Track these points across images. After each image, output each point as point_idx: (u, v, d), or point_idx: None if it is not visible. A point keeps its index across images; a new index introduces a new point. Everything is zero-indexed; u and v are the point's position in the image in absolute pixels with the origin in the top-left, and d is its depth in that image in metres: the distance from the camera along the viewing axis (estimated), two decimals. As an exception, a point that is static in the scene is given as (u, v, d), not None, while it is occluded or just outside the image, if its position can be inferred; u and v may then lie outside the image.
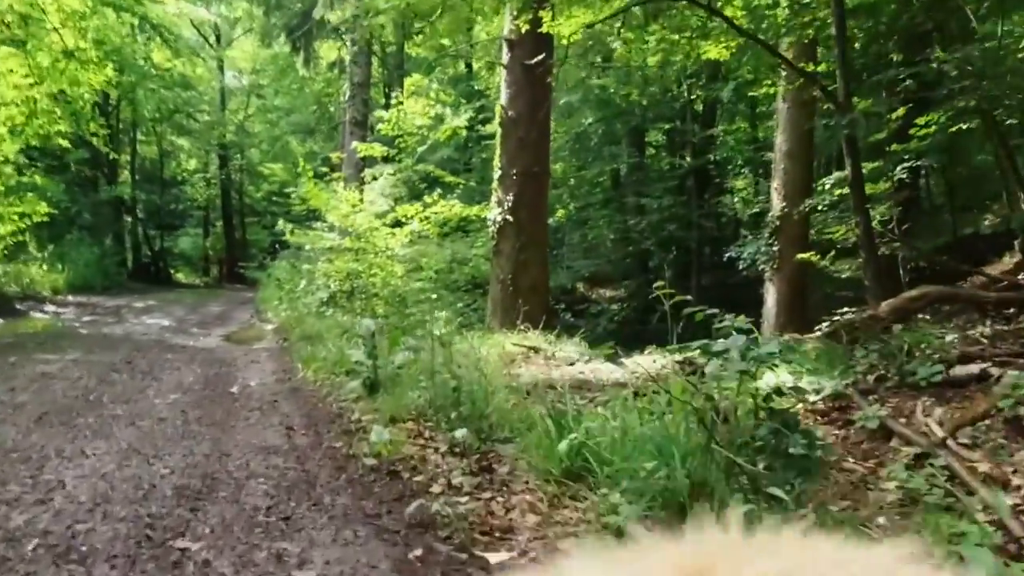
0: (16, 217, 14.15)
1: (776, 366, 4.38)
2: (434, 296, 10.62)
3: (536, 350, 9.90)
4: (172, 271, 28.98)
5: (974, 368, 4.23)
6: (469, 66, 26.10)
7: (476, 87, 23.78)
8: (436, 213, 11.62)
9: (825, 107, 14.15)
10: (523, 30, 10.96)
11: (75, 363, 7.39)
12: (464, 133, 15.32)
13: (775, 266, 12.65)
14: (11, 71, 14.20)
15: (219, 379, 6.82)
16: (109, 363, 7.50)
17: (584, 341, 11.81)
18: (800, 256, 10.61)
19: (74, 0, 12.93)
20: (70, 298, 14.37)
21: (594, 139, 21.02)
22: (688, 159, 19.18)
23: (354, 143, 14.12)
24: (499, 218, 11.53)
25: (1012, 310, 5.85)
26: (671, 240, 20.30)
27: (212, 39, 28.50)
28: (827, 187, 11.71)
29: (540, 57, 10.76)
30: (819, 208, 11.96)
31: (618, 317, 20.14)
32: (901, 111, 9.22)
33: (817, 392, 4.08)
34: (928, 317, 7.10)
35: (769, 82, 13.21)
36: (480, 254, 14.43)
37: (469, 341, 9.69)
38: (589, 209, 22.99)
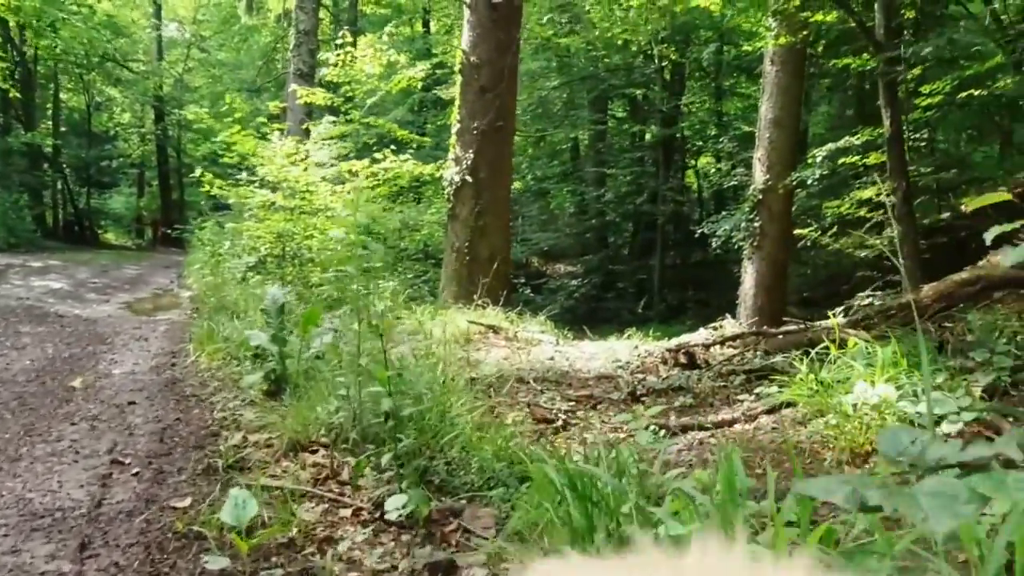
0: None
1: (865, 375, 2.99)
2: (377, 263, 9.01)
3: (496, 329, 8.44)
4: (101, 232, 26.52)
5: None
6: (427, 25, 24.24)
7: (434, 51, 21.93)
8: (385, 171, 9.96)
9: (814, 69, 12.91)
10: (491, -40, 9.36)
11: None
12: (419, 87, 13.60)
13: (755, 244, 11.38)
14: None
15: (71, 364, 5.13)
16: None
17: (547, 320, 10.41)
18: (797, 231, 9.30)
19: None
20: (-46, 254, 12.29)
21: (557, 105, 19.48)
22: (655, 129, 17.81)
23: (294, 86, 12.25)
24: (456, 178, 9.96)
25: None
26: (635, 215, 19.00)
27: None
28: (819, 159, 10.45)
29: (510, -8, 9.17)
30: (809, 182, 10.70)
31: (577, 293, 18.81)
32: (918, 70, 7.94)
33: (942, 418, 2.77)
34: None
35: (757, 41, 11.83)
36: (434, 220, 12.84)
37: (418, 318, 8.17)
38: (548, 180, 21.54)
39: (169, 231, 22.75)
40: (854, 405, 3.02)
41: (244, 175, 9.55)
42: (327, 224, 9.25)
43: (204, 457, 3.09)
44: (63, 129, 25.37)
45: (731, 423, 3.64)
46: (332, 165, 9.59)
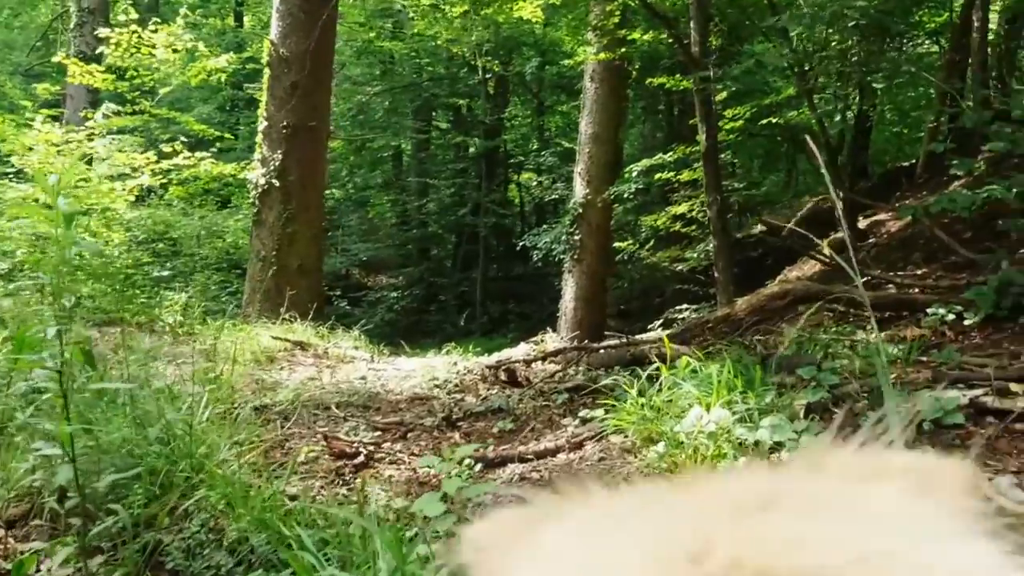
0: None
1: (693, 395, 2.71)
2: (165, 272, 7.92)
3: (304, 346, 7.66)
4: None
5: (978, 393, 2.91)
6: (240, 19, 22.58)
7: (247, 46, 20.40)
8: (177, 167, 8.80)
9: (630, 91, 13.29)
10: (302, -56, 8.62)
11: None
12: (223, 81, 12.37)
13: (576, 257, 11.43)
14: None
15: None
16: None
17: (363, 335, 9.72)
18: (616, 245, 9.35)
19: None
20: None
21: (379, 112, 18.79)
22: (478, 141, 17.66)
23: (63, 60, 10.58)
24: (263, 180, 9.05)
25: (904, 312, 4.81)
26: (458, 226, 18.74)
27: None
28: (635, 174, 10.66)
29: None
30: (626, 196, 10.89)
31: (397, 306, 18.19)
32: (723, 94, 8.24)
33: (779, 445, 2.52)
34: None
35: (577, 57, 11.94)
36: (240, 226, 11.68)
37: (211, 332, 7.19)
38: (369, 189, 20.75)
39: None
40: (688, 433, 2.75)
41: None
42: (102, 227, 8.00)
43: None
44: None
45: (555, 452, 3.27)
46: (110, 159, 8.30)
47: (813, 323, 4.85)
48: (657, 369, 3.51)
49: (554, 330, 11.31)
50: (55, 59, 11.80)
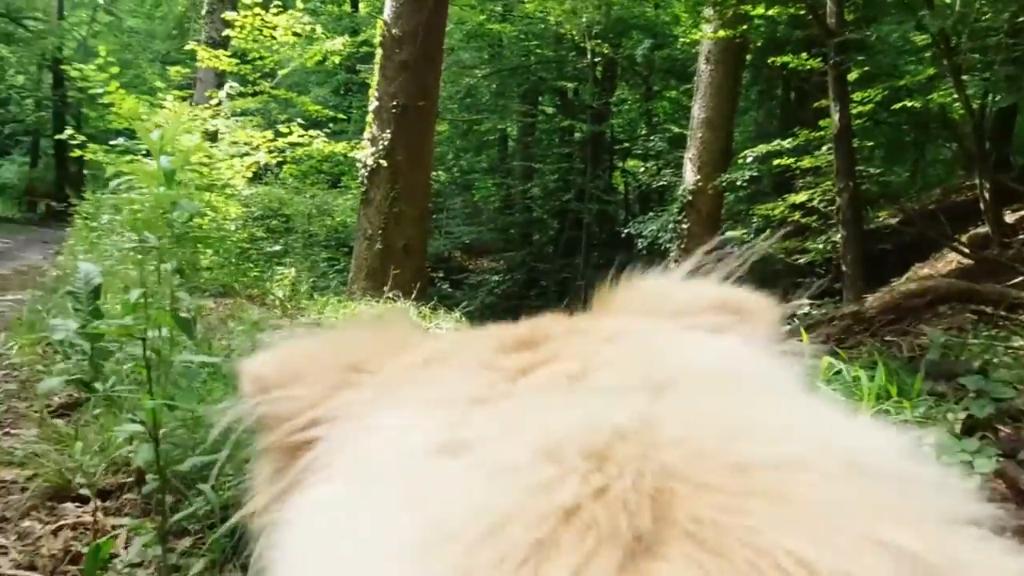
0: None
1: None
2: (277, 247, 8.06)
3: (406, 325, 7.58)
4: (-13, 201, 24.14)
5: None
6: (356, 5, 23.02)
7: (361, 31, 20.75)
8: (291, 145, 8.94)
9: (746, 74, 12.58)
10: (417, -77, 8.53)
11: None
12: (338, 63, 12.54)
13: (683, 245, 10.94)
14: None
15: None
16: None
17: (463, 317, 9.64)
18: (729, 234, 8.84)
19: None
20: None
21: (486, 95, 18.70)
22: (584, 126, 17.27)
23: (190, 45, 10.99)
24: (371, 160, 9.06)
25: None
26: (561, 212, 18.43)
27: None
28: (749, 160, 10.05)
29: (437, -42, 8.35)
30: (739, 183, 10.30)
31: (498, 290, 18.09)
32: (855, 74, 7.52)
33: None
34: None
35: (692, 34, 11.38)
36: (350, 205, 11.85)
37: (317, 308, 7.25)
38: (474, 173, 20.76)
39: (57, 204, 20.76)
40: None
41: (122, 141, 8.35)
42: (222, 201, 8.21)
43: None
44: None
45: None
46: (229, 135, 8.50)
47: (953, 325, 4.31)
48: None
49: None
50: (187, 46, 12.31)
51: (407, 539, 0.32)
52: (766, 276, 12.56)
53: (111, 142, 7.79)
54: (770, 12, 7.80)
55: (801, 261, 7.90)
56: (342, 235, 11.93)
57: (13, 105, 25.87)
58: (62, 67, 23.99)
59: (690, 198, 10.87)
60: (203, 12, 16.46)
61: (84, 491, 2.11)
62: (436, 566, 0.30)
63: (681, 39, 13.39)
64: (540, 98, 20.21)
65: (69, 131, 8.51)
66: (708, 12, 9.56)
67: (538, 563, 0.28)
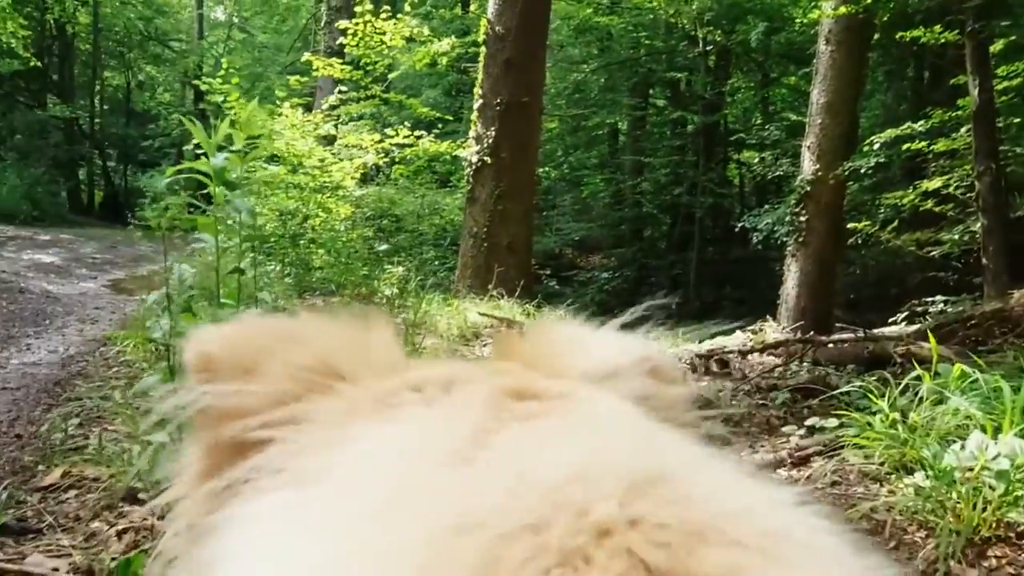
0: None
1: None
2: (386, 246, 8.19)
3: (509, 323, 7.51)
4: (138, 210, 26.27)
5: None
6: (466, 5, 23.31)
7: (471, 32, 20.98)
8: (398, 146, 9.08)
9: (871, 55, 11.66)
10: (519, -81, 8.43)
11: None
12: (446, 63, 12.65)
13: (801, 239, 10.27)
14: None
15: None
16: None
17: (570, 315, 9.46)
18: (851, 226, 8.18)
19: None
20: (-33, 225, 11.76)
21: (595, 90, 18.39)
22: (697, 117, 16.62)
23: (306, 55, 11.41)
24: (476, 158, 9.06)
25: None
26: (673, 206, 17.87)
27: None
28: (876, 147, 9.26)
29: (538, -47, 8.22)
30: (864, 171, 9.53)
31: (608, 287, 17.77)
32: (1000, 45, 6.73)
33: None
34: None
35: (812, 13, 10.63)
36: (457, 204, 11.96)
37: (424, 307, 7.29)
38: (583, 169, 20.49)
39: (192, 211, 22.26)
40: (964, 466, 2.04)
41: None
42: (333, 203, 8.45)
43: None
44: (105, 107, 25.13)
45: (774, 465, 2.68)
46: (339, 139, 8.74)
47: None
48: (915, 376, 2.74)
49: (773, 319, 10.29)
50: (305, 57, 12.84)
51: (427, 530, 0.30)
52: (893, 271, 11.64)
53: (231, 149, 8.18)
54: (898, -17, 7.12)
55: (935, 254, 7.18)
56: (451, 233, 12.05)
57: (161, 120, 27.98)
58: (199, 80, 25.80)
59: (808, 189, 10.18)
60: (322, 23, 17.18)
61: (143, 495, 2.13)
62: (464, 551, 0.29)
63: (799, 20, 12.60)
64: (650, 90, 19.68)
65: (196, 142, 8.96)
66: (828, -12, 8.88)
67: (571, 570, 0.28)
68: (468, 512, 0.31)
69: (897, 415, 2.47)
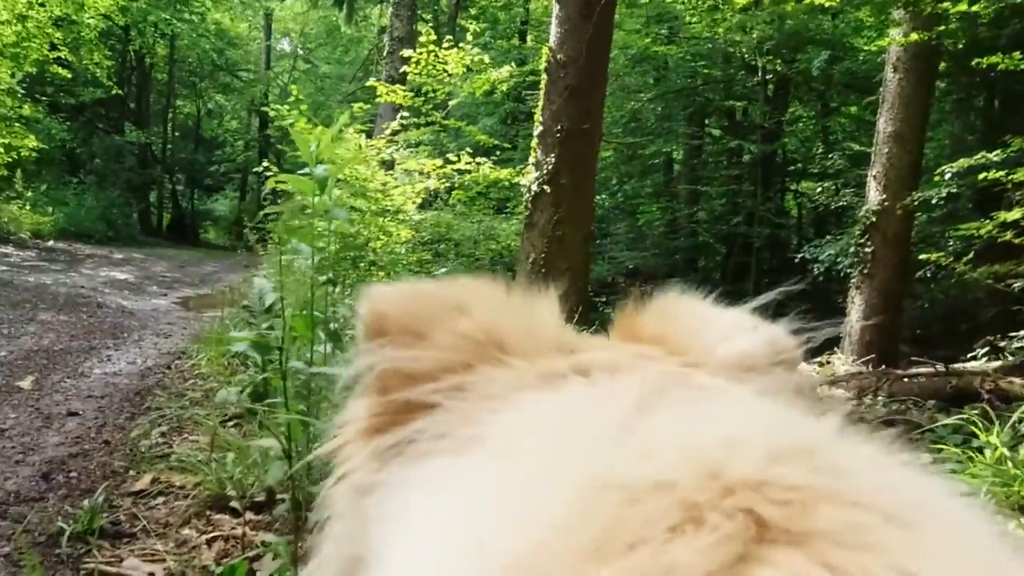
0: (0, 150, 12.12)
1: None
2: (443, 271, 8.22)
3: (566, 349, 7.43)
4: (203, 232, 27.17)
5: None
6: (523, 36, 23.65)
7: (529, 62, 21.23)
8: (458, 171, 9.16)
9: (939, 83, 11.36)
10: (584, -51, 8.51)
11: None
12: (504, 90, 12.79)
13: (865, 271, 9.99)
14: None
15: (53, 359, 4.47)
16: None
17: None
18: (924, 256, 7.91)
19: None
20: (50, 243, 12.30)
21: (651, 119, 18.35)
22: (754, 146, 16.40)
23: (371, 81, 11.67)
24: (535, 184, 9.07)
25: None
26: (729, 237, 17.60)
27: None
28: (947, 176, 8.97)
29: (602, -18, 8.26)
30: (934, 202, 9.23)
31: (661, 318, 17.51)
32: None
33: None
34: None
35: (879, 41, 10.43)
36: (513, 230, 12.00)
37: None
38: (638, 198, 20.39)
39: (258, 232, 22.92)
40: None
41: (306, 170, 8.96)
42: (394, 226, 8.55)
43: (59, 514, 2.19)
44: (176, 134, 26.18)
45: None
46: (398, 164, 8.87)
47: None
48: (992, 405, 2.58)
49: (836, 352, 9.98)
50: (369, 83, 13.17)
51: (571, 490, 0.32)
52: (964, 305, 11.18)
53: (299, 172, 8.37)
54: (973, 8, 6.91)
55: (1016, 286, 6.86)
56: (506, 259, 12.07)
57: (228, 147, 28.99)
58: (264, 108, 26.75)
59: (874, 219, 9.91)
60: (384, 53, 17.62)
61: (235, 504, 2.13)
62: (599, 509, 0.31)
63: (863, 49, 12.37)
64: (707, 120, 19.56)
65: (265, 163, 9.27)
66: (898, 15, 8.69)
67: (688, 527, 0.29)
68: (611, 473, 0.32)
69: (1006, 451, 2.31)
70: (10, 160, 12.22)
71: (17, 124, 12.13)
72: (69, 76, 13.22)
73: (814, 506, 0.29)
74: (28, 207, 13.25)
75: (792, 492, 0.30)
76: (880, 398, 4.52)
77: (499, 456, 0.38)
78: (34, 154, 12.24)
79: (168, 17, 16.93)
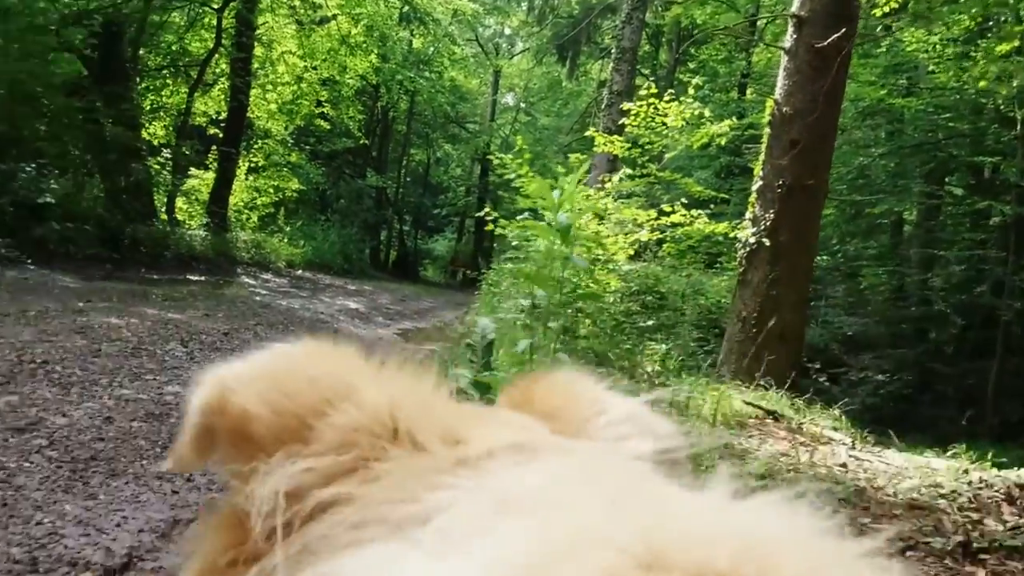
0: (271, 190, 13.98)
1: None
2: (650, 323, 8.07)
3: (777, 416, 6.93)
4: (422, 269, 29.26)
5: None
6: (743, 89, 23.04)
7: (748, 115, 20.60)
8: (672, 224, 9.00)
9: None
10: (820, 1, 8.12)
11: (140, 321, 6.07)
12: (722, 144, 12.46)
13: None
14: (291, 52, 14.10)
15: None
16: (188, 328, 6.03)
17: (843, 416, 8.48)
18: None
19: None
20: (299, 272, 13.89)
21: (881, 176, 16.89)
22: (1008, 208, 14.43)
23: (590, 131, 11.91)
24: (752, 239, 8.66)
25: None
26: (970, 306, 15.56)
27: (492, 52, 28.40)
28: None
29: (839, 34, 7.80)
30: None
31: (883, 391, 15.80)
32: None
33: None
34: None
35: None
36: (723, 286, 11.52)
37: (686, 389, 7.00)
38: (860, 260, 18.74)
39: (471, 272, 24.25)
40: None
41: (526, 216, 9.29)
42: (604, 275, 8.56)
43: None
44: (408, 179, 28.64)
45: None
46: (616, 214, 8.90)
47: None
48: None
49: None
50: (587, 134, 13.52)
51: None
52: None
53: (517, 218, 8.72)
54: None
55: None
56: (714, 315, 11.60)
57: (451, 192, 31.14)
58: (487, 157, 28.48)
59: None
60: (603, 106, 18.00)
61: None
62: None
63: None
64: (947, 177, 17.61)
65: (486, 209, 9.77)
66: None
67: None
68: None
69: None
70: (276, 199, 14.03)
71: (285, 169, 13.95)
72: (328, 128, 14.99)
73: None
74: (286, 240, 15.16)
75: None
76: None
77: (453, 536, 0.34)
78: (295, 195, 13.96)
79: (412, 76, 18.75)
